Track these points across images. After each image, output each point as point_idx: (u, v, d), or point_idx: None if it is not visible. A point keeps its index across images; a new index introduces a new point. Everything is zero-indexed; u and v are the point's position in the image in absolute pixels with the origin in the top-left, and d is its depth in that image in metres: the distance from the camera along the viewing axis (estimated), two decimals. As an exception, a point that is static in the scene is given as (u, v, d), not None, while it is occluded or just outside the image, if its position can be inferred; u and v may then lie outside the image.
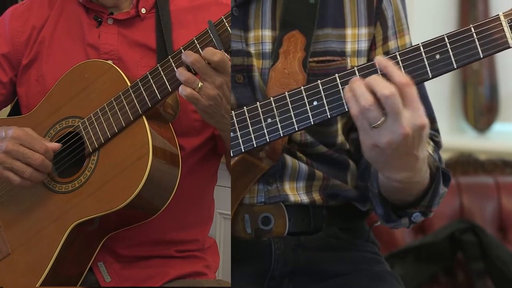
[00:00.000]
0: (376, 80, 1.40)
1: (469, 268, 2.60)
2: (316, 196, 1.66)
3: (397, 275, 1.74)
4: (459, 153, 2.90)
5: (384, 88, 1.39)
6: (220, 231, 2.70)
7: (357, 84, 1.42)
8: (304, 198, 1.65)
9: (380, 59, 1.43)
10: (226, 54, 1.52)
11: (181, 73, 1.54)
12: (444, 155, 2.54)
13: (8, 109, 1.93)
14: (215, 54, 1.51)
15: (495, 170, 2.82)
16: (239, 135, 1.51)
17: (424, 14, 3.10)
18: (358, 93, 1.41)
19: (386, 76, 1.41)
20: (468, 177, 2.76)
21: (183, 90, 1.54)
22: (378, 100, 1.39)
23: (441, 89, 3.33)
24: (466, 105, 3.47)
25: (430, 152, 1.63)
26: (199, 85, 1.53)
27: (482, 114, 3.42)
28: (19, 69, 1.83)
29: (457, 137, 3.47)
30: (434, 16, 3.33)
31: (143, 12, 1.77)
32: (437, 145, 1.71)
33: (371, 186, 1.59)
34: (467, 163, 2.83)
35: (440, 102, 3.37)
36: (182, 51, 1.55)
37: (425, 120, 1.41)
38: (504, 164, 2.83)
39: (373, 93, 1.40)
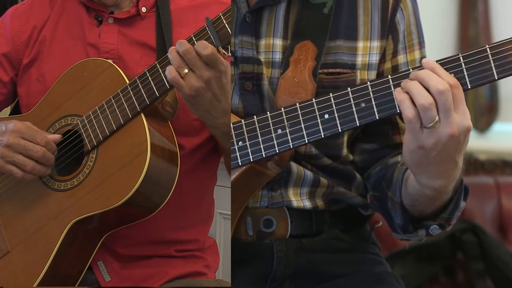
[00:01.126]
0: (429, 75, 1.38)
1: (469, 268, 2.60)
2: (319, 202, 1.66)
3: (398, 275, 1.74)
4: (459, 153, 2.90)
5: (438, 83, 1.36)
6: (220, 231, 2.71)
7: (413, 83, 1.39)
8: (307, 204, 1.66)
9: (426, 61, 1.41)
10: (224, 51, 1.52)
11: (174, 57, 1.54)
12: (444, 155, 2.54)
13: (8, 110, 1.93)
14: (206, 48, 1.51)
15: (495, 170, 2.81)
16: (248, 144, 1.51)
17: (424, 14, 3.09)
18: (415, 92, 1.38)
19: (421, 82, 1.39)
20: (468, 177, 2.73)
21: (169, 74, 1.53)
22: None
23: (441, 89, 3.33)
24: (466, 105, 3.46)
25: None
26: (185, 71, 1.53)
27: (482, 114, 3.42)
28: (20, 69, 1.83)
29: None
30: (434, 16, 3.33)
31: (144, 11, 1.77)
32: None
33: (393, 195, 1.57)
34: (467, 163, 2.82)
35: (440, 102, 3.37)
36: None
37: (470, 124, 1.39)
38: (504, 164, 2.83)
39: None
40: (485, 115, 3.42)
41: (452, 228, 2.57)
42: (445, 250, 2.62)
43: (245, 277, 1.65)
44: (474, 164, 2.83)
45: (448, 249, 2.62)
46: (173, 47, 1.55)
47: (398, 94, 1.40)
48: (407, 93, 1.40)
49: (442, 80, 1.37)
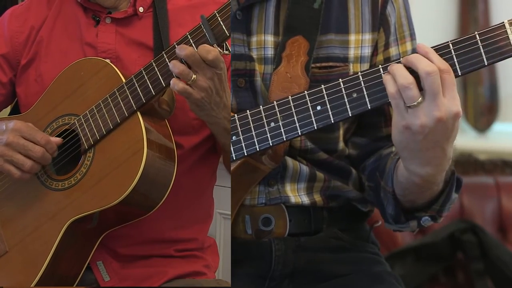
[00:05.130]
0: (418, 58, 1.41)
1: (469, 268, 2.60)
2: (317, 197, 1.67)
3: (397, 275, 1.74)
4: (459, 153, 2.90)
5: (427, 65, 1.39)
6: (220, 231, 2.70)
7: (397, 65, 1.42)
8: (305, 200, 1.66)
9: (421, 45, 1.42)
10: (218, 48, 1.52)
11: (175, 65, 1.53)
12: (444, 155, 2.54)
13: (8, 110, 1.94)
14: (209, 52, 1.50)
15: (495, 170, 2.81)
16: (241, 138, 1.52)
17: (424, 13, 3.10)
18: (397, 73, 1.41)
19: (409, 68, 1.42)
20: (468, 177, 2.75)
21: (175, 85, 1.53)
22: (417, 81, 1.40)
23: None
24: (466, 105, 3.47)
25: None
26: (193, 78, 1.53)
27: (482, 114, 3.42)
28: (18, 69, 1.84)
29: (457, 137, 3.45)
30: (434, 16, 3.33)
31: (141, 11, 1.77)
32: None
33: (385, 185, 1.59)
34: (467, 163, 2.82)
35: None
36: (176, 46, 1.55)
37: (460, 109, 1.40)
38: (504, 164, 2.82)
39: (412, 73, 1.40)
40: (485, 115, 3.42)
41: (452, 228, 2.60)
42: (445, 250, 2.61)
43: (243, 276, 1.65)
44: (474, 164, 2.83)
45: (448, 249, 2.61)
46: (174, 61, 1.55)
47: (385, 76, 1.43)
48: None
49: (430, 63, 1.39)
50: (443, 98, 1.38)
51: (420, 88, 1.40)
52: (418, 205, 1.57)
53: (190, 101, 1.56)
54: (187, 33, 1.54)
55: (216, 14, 1.52)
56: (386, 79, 1.43)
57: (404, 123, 1.41)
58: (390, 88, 1.41)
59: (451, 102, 1.39)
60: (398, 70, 1.41)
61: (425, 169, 1.47)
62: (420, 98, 1.39)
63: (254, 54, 1.63)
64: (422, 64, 1.39)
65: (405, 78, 1.40)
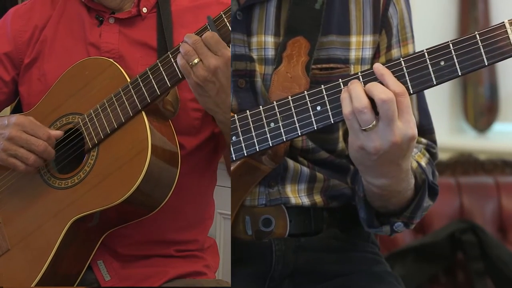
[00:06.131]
0: (375, 84, 1.42)
1: (469, 268, 2.60)
2: (317, 198, 1.67)
3: (397, 275, 1.74)
4: (459, 153, 2.90)
5: (381, 92, 1.40)
6: (220, 231, 2.71)
7: (355, 85, 1.43)
8: (305, 200, 1.66)
9: (377, 66, 1.44)
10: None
11: (183, 45, 1.55)
12: (444, 155, 2.55)
13: (8, 110, 1.94)
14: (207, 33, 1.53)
15: (495, 170, 2.81)
16: (241, 139, 1.52)
17: (424, 14, 3.11)
18: (353, 95, 1.42)
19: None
20: (468, 177, 2.76)
21: (179, 60, 1.55)
22: (372, 104, 1.41)
23: (441, 89, 3.32)
24: (466, 105, 3.48)
25: (423, 163, 1.64)
26: (195, 61, 1.53)
27: (482, 114, 3.43)
28: (21, 68, 1.84)
29: (457, 137, 3.48)
30: (434, 16, 3.34)
31: (144, 11, 1.78)
32: (433, 157, 1.71)
33: (357, 190, 1.61)
34: (467, 163, 2.82)
35: (440, 102, 3.38)
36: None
37: (415, 132, 1.42)
38: (504, 164, 2.82)
39: (369, 97, 1.41)
40: (485, 115, 3.43)
41: (452, 228, 2.60)
42: (445, 250, 2.61)
43: (243, 276, 1.65)
44: (474, 164, 2.83)
45: (448, 249, 2.61)
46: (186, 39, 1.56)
47: (342, 93, 1.45)
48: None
49: (385, 90, 1.41)
50: (398, 122, 1.41)
51: (376, 111, 1.41)
52: (390, 210, 1.59)
53: (190, 85, 1.56)
54: (194, 33, 1.55)
55: (223, 15, 1.53)
56: (343, 97, 1.44)
57: (359, 143, 1.44)
58: (345, 108, 1.43)
59: (406, 125, 1.41)
60: (355, 91, 1.42)
61: (380, 181, 1.51)
62: (374, 122, 1.41)
63: (255, 54, 1.63)
64: (377, 92, 1.41)
65: (360, 101, 1.41)
